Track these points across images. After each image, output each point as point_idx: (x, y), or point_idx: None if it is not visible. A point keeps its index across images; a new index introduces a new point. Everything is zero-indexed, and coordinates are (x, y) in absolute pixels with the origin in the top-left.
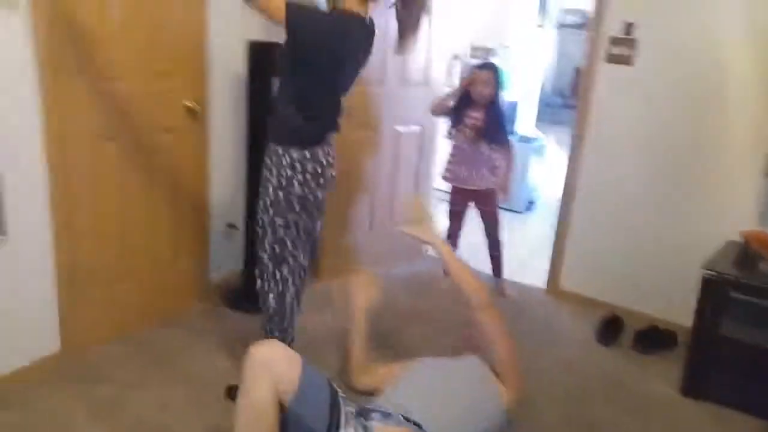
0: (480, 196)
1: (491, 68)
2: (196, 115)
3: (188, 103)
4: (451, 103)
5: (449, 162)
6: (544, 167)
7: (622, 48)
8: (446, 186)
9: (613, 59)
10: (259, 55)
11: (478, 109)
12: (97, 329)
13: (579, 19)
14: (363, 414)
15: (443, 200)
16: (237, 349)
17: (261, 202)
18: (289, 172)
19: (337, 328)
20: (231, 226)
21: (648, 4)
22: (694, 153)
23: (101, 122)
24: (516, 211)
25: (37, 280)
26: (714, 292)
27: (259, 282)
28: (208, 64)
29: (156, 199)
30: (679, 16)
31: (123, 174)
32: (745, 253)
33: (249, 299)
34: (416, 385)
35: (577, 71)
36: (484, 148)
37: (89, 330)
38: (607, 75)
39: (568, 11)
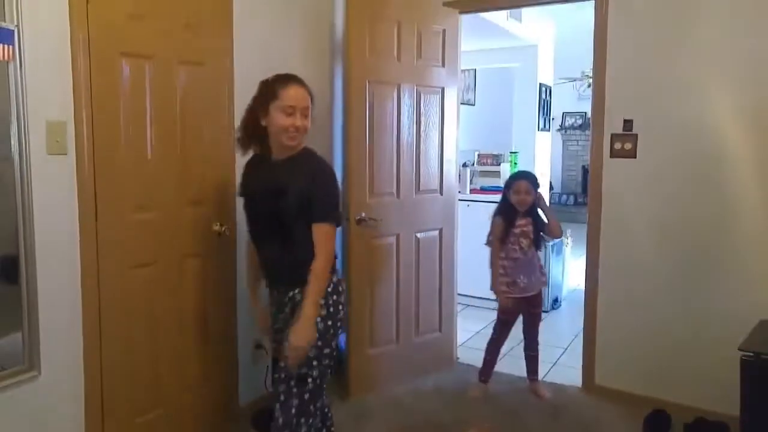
0: (533, 299)
1: (527, 177)
2: (224, 239)
3: (216, 228)
4: (499, 221)
5: (504, 275)
6: (564, 265)
7: (624, 143)
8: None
9: (617, 154)
10: None
11: (522, 216)
12: None
13: (580, 120)
14: None
15: (467, 305)
16: None
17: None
18: (335, 297)
19: None
20: (259, 346)
21: (643, 100)
22: (711, 232)
23: (134, 252)
24: (543, 311)
25: (68, 415)
26: (755, 375)
27: (293, 419)
28: (235, 187)
29: (185, 325)
30: (673, 105)
31: (152, 301)
32: None
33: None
34: None
35: (585, 169)
36: (533, 252)
37: None
38: (613, 169)
39: (568, 114)
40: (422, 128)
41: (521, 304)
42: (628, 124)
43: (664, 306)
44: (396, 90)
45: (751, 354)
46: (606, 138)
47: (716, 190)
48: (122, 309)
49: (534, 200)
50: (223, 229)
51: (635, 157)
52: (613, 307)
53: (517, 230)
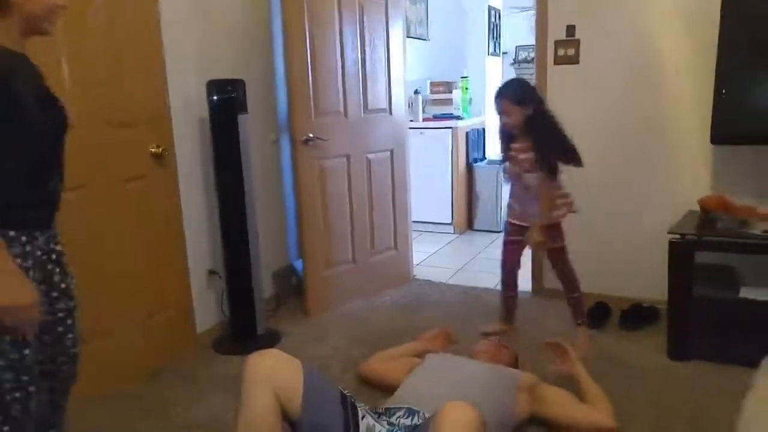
0: (548, 230)
1: (503, 93)
2: (163, 160)
3: (154, 149)
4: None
5: (510, 198)
6: None
7: (568, 48)
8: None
9: (560, 60)
10: (221, 93)
11: (520, 139)
12: (79, 388)
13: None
14: (386, 413)
15: (422, 232)
16: (233, 388)
17: None
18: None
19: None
20: (212, 272)
21: (585, 5)
22: (646, 134)
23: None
24: (496, 231)
25: None
26: (681, 254)
27: None
28: (170, 108)
29: (131, 251)
30: (613, 10)
31: (89, 226)
32: (704, 216)
33: (238, 341)
34: (428, 374)
35: None
36: (530, 179)
37: (75, 388)
38: (557, 76)
39: (521, 47)
40: (367, 44)
41: (522, 231)
42: (570, 29)
43: (602, 209)
44: (336, 3)
45: (678, 235)
46: (550, 45)
47: (653, 91)
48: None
49: (524, 119)
50: (160, 150)
51: (578, 63)
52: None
53: (512, 153)
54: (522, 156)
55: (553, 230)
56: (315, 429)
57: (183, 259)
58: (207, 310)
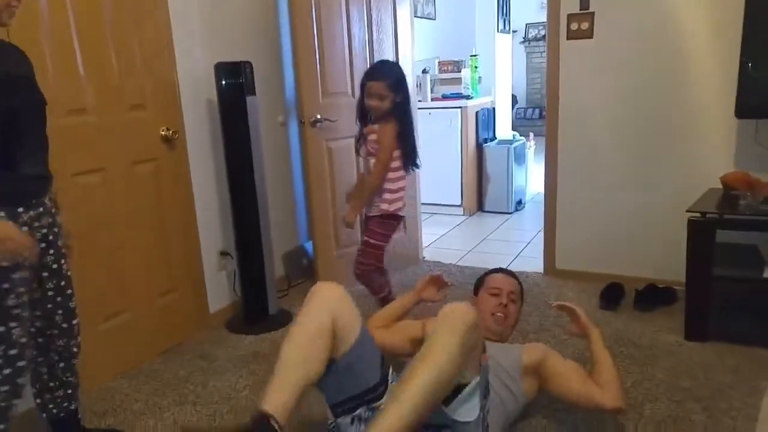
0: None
1: (379, 78)
2: (174, 143)
3: (164, 132)
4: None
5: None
6: (527, 171)
7: (581, 22)
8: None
9: (574, 35)
10: (229, 76)
11: (375, 122)
12: (97, 365)
13: (543, 31)
14: None
15: (432, 214)
16: (247, 365)
17: None
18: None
19: None
20: (224, 253)
21: None
22: (665, 110)
23: (75, 157)
24: (507, 213)
25: None
26: (701, 233)
27: None
28: (179, 91)
29: (144, 233)
30: None
31: (107, 207)
32: (726, 194)
33: (250, 321)
34: None
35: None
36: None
37: (93, 365)
38: (570, 52)
39: (531, 25)
40: (374, 23)
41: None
42: (584, 1)
43: (618, 187)
44: None
45: (698, 213)
46: (563, 19)
47: (672, 65)
48: (70, 215)
49: (385, 109)
50: (170, 132)
51: (592, 38)
52: (571, 194)
53: (364, 133)
54: (371, 137)
55: (368, 222)
56: (351, 373)
57: (195, 240)
58: (219, 290)
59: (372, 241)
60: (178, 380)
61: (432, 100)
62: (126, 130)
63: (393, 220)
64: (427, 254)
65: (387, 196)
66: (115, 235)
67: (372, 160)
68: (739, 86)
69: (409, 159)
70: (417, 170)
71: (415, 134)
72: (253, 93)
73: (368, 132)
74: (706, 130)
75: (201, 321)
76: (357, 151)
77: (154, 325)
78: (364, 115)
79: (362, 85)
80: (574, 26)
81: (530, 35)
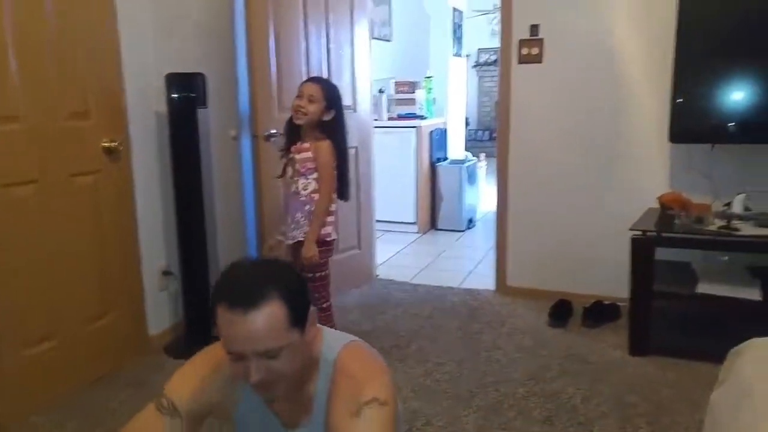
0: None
1: (318, 81)
2: (117, 155)
3: (106, 143)
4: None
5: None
6: (478, 190)
7: (532, 47)
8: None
9: (525, 60)
10: (181, 87)
11: (304, 140)
12: (16, 397)
13: (494, 56)
14: None
15: (386, 231)
16: None
17: None
18: None
19: None
20: (167, 272)
21: (548, 4)
22: (608, 133)
23: (3, 167)
24: (459, 230)
25: None
26: (642, 250)
27: None
28: (126, 101)
29: (81, 249)
30: (575, 10)
31: (39, 221)
32: (663, 214)
33: (193, 344)
34: None
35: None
36: (303, 184)
37: (13, 397)
38: (521, 75)
39: (483, 50)
40: (332, 41)
41: (292, 249)
42: (534, 29)
43: (566, 206)
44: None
45: (639, 232)
46: (514, 44)
47: (613, 89)
48: None
49: (322, 119)
50: (114, 144)
51: (541, 62)
52: (521, 213)
53: (291, 154)
54: (299, 156)
55: (297, 248)
56: None
57: (135, 258)
58: (161, 312)
59: (316, 274)
60: (107, 413)
61: (388, 119)
62: (64, 140)
63: (326, 247)
64: (382, 272)
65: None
66: (46, 251)
67: (300, 182)
68: (672, 113)
69: (343, 186)
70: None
71: (347, 167)
72: (205, 105)
73: (297, 150)
74: (645, 153)
75: (139, 345)
76: (282, 173)
77: (86, 350)
78: (291, 133)
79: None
80: (525, 51)
81: (481, 60)
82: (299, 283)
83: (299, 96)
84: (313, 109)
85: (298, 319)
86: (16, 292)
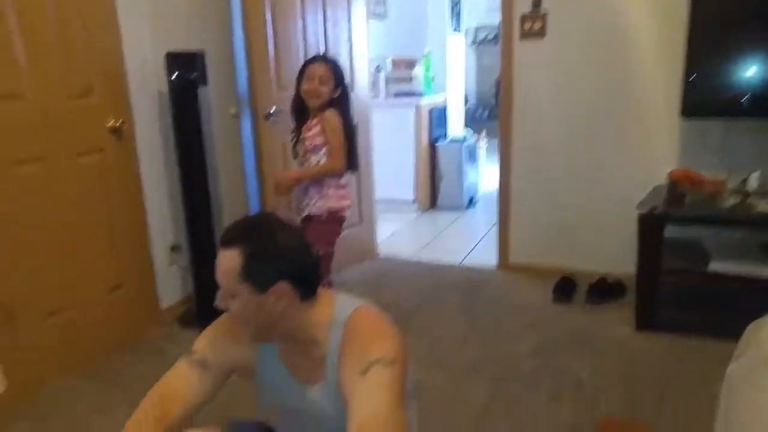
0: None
1: (327, 61)
2: (122, 134)
3: (111, 123)
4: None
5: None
6: (479, 169)
7: (534, 22)
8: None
9: (527, 35)
10: (181, 66)
11: (312, 119)
12: (41, 364)
13: (492, 33)
14: None
15: (385, 210)
16: None
17: None
18: None
19: None
20: (175, 247)
21: None
22: (615, 108)
23: (15, 145)
24: (459, 209)
25: None
26: (650, 228)
27: None
28: (127, 80)
29: (91, 225)
30: None
31: (49, 199)
32: (672, 190)
33: (204, 316)
34: None
35: (498, 81)
36: (314, 160)
37: (35, 365)
38: (523, 51)
39: (481, 28)
40: (329, 19)
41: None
42: (537, 2)
43: (570, 184)
44: None
45: (647, 209)
46: (516, 19)
47: (621, 64)
48: (9, 205)
49: (330, 98)
50: (118, 123)
51: (544, 37)
52: (524, 190)
53: (302, 134)
54: (309, 134)
55: (309, 226)
56: None
57: (144, 234)
58: (171, 285)
59: (321, 251)
60: (127, 379)
61: (386, 97)
62: (68, 119)
63: (337, 224)
64: (382, 249)
65: (332, 192)
66: (59, 228)
67: (312, 159)
68: (684, 86)
69: (353, 157)
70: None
71: (356, 138)
72: (205, 83)
73: (306, 129)
74: (654, 128)
75: (152, 317)
76: (294, 154)
77: (103, 321)
78: (300, 113)
79: (300, 74)
80: (527, 26)
81: (480, 37)
82: (266, 249)
83: (310, 79)
84: (325, 90)
85: (252, 278)
86: (34, 265)
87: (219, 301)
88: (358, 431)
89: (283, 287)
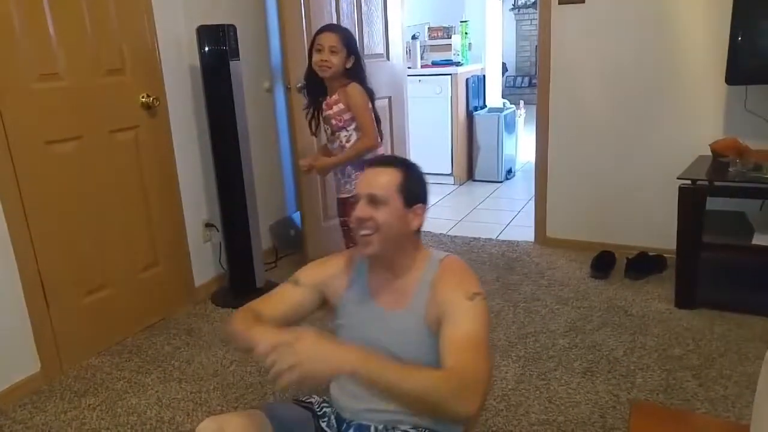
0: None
1: (336, 30)
2: (155, 110)
3: (144, 99)
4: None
5: None
6: (517, 139)
7: None
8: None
9: (566, 0)
10: (212, 40)
11: (330, 93)
12: (77, 342)
13: None
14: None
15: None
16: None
17: None
18: None
19: None
20: (209, 225)
21: None
22: (655, 76)
23: (51, 124)
24: (497, 182)
25: (5, 298)
26: (691, 200)
27: None
28: (159, 56)
29: (126, 203)
30: None
31: (84, 177)
32: (715, 161)
33: (237, 294)
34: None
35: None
36: (344, 136)
37: (72, 343)
38: (562, 17)
39: None
40: None
41: (344, 207)
42: None
43: (609, 155)
44: None
45: (688, 181)
46: None
47: (664, 30)
48: (45, 185)
49: (344, 68)
50: (151, 99)
51: (584, 2)
52: (562, 162)
53: (324, 110)
54: (333, 111)
55: (345, 206)
56: None
57: (178, 212)
58: (205, 263)
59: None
60: (162, 356)
61: (422, 66)
62: (103, 97)
63: None
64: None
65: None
66: (94, 206)
67: (342, 135)
68: (730, 52)
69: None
70: (405, 139)
71: (375, 106)
72: (237, 57)
73: (328, 106)
74: (697, 96)
75: (186, 295)
76: (313, 132)
77: (137, 299)
78: (314, 86)
79: (310, 46)
80: None
81: (520, 2)
82: (418, 178)
83: (319, 50)
84: (336, 60)
85: (406, 192)
86: (70, 245)
87: (359, 211)
88: (457, 341)
89: (421, 208)
